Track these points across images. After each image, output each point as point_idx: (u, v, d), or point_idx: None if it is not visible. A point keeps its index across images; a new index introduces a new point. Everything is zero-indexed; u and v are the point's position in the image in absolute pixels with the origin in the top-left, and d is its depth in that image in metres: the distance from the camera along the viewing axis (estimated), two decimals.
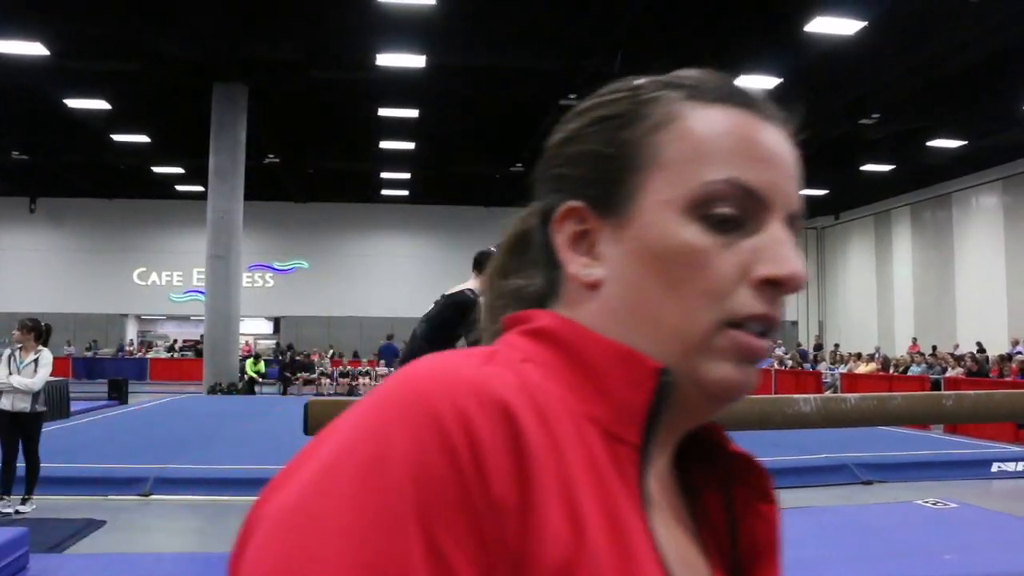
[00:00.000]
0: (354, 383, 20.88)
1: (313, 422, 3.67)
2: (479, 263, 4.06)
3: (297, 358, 22.65)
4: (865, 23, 13.86)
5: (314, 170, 25.64)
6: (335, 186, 27.91)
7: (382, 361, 22.15)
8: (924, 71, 15.82)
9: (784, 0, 13.85)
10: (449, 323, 3.91)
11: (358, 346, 28.20)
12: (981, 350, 18.95)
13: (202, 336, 22.32)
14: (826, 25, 13.94)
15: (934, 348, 20.68)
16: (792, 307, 32.58)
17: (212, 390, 18.74)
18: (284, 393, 20.84)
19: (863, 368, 17.95)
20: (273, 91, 19.12)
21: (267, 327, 32.85)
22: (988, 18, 13.63)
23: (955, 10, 13.64)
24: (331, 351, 25.68)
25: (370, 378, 21.22)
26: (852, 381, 16.42)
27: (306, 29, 15.55)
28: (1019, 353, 17.15)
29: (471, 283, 4.01)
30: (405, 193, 28.89)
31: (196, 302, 27.55)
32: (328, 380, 21.14)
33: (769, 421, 4.02)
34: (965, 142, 20.89)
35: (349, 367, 21.90)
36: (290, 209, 29.94)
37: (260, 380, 20.83)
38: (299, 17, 15.13)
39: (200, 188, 23.70)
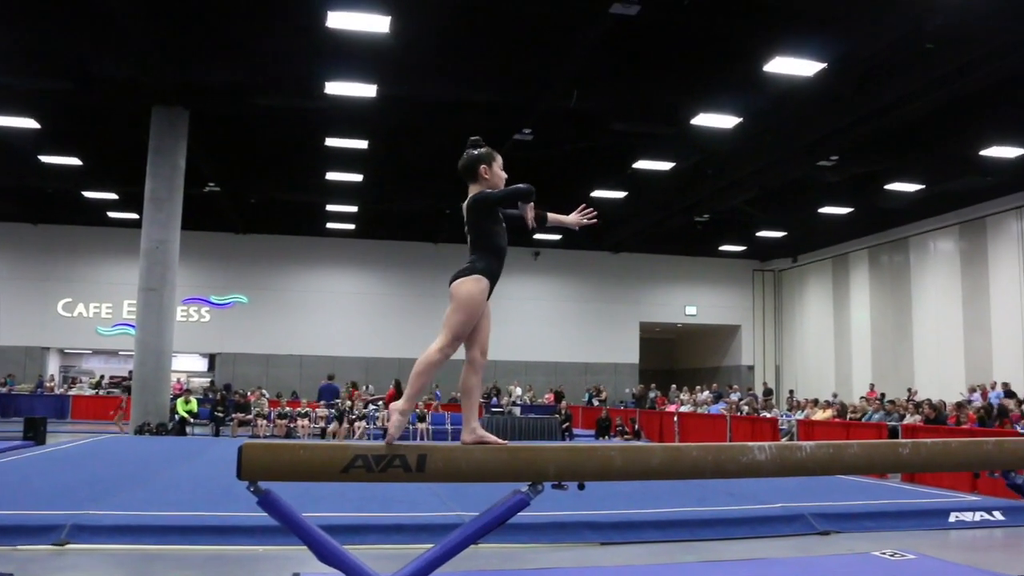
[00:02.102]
0: (292, 425, 20.55)
1: (248, 466, 3.59)
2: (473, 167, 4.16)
3: (232, 398, 22.27)
4: (824, 64, 14.24)
5: (256, 200, 25.44)
6: (278, 218, 27.72)
7: (322, 402, 21.87)
8: (882, 114, 16.26)
9: (743, 39, 14.17)
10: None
11: (297, 386, 27.87)
12: (910, 396, 19.42)
13: (130, 372, 21.86)
14: (785, 66, 14.30)
15: (882, 396, 21.01)
16: (749, 351, 32.96)
17: (140, 430, 18.34)
18: (217, 434, 20.44)
19: (820, 414, 18.18)
20: (215, 117, 18.99)
21: (201, 364, 32.33)
22: (945, 64, 14.10)
23: (913, 55, 14.10)
24: (261, 391, 25.26)
25: (309, 420, 20.90)
26: (809, 428, 16.61)
27: (252, 53, 15.51)
28: (973, 401, 17.53)
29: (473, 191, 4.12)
30: (351, 227, 28.80)
31: (126, 336, 27.06)
32: (265, 421, 20.77)
33: (723, 470, 4.05)
34: (923, 186, 21.49)
35: (288, 408, 21.55)
36: (229, 240, 29.64)
37: (192, 420, 20.42)
38: (245, 41, 15.10)
39: (134, 216, 23.36)
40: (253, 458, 3.61)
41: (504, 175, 4.17)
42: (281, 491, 3.69)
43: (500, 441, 3.94)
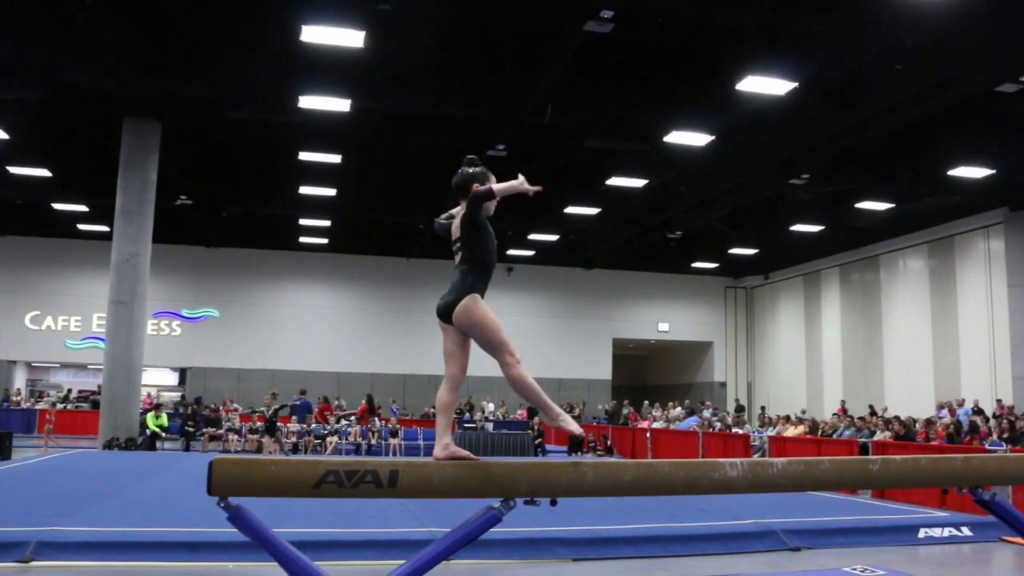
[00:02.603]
0: (263, 440, 20.38)
1: (218, 482, 3.57)
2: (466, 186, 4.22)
3: (203, 412, 22.08)
4: (795, 84, 14.40)
5: (228, 214, 25.29)
6: (250, 231, 27.57)
7: (294, 417, 21.72)
8: (853, 134, 16.47)
9: (715, 58, 14.32)
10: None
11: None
12: (873, 413, 19.66)
13: (100, 387, 21.61)
14: (757, 84, 14.44)
15: (845, 411, 21.20)
16: (721, 368, 33.11)
17: (108, 445, 18.13)
18: (187, 449, 20.24)
19: (791, 431, 18.28)
20: (188, 129, 18.89)
21: (172, 378, 32.02)
22: (913, 85, 14.32)
23: (882, 76, 14.30)
24: (234, 405, 25.06)
25: (281, 435, 20.75)
26: (780, 444, 16.69)
27: (226, 66, 15.46)
28: (942, 417, 17.72)
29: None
30: (324, 241, 28.71)
31: (95, 349, 26.74)
32: (236, 436, 20.60)
33: (695, 486, 4.07)
34: (892, 205, 21.75)
35: (259, 423, 21.38)
36: (201, 254, 29.43)
37: (163, 435, 20.20)
38: (219, 54, 15.05)
39: (105, 228, 23.15)
40: (224, 473, 3.58)
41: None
42: (252, 507, 3.66)
43: (473, 456, 3.95)
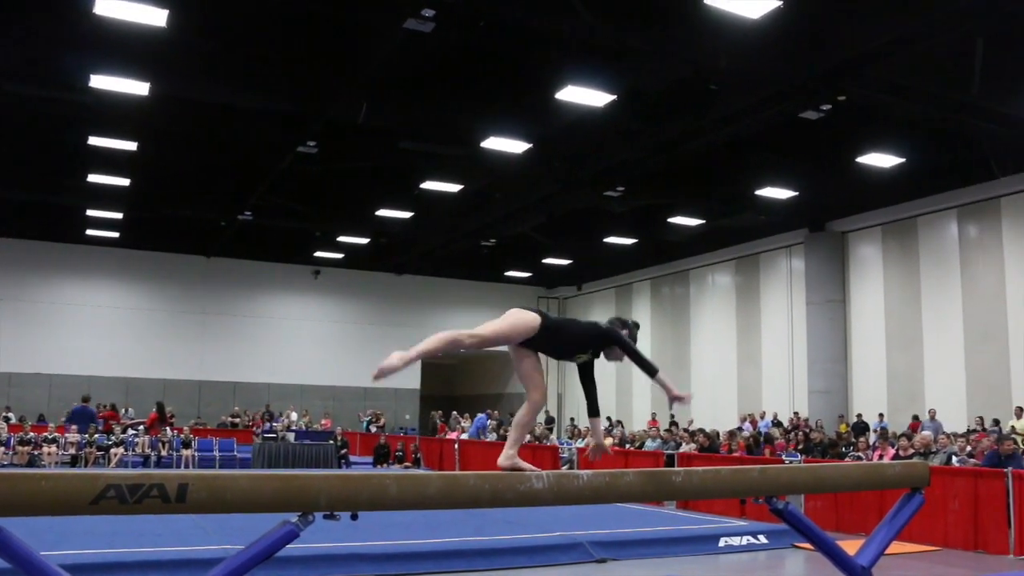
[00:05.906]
0: (37, 452, 19.11)
1: None
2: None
3: None
4: (614, 96, 14.89)
5: (2, 200, 23.58)
6: (29, 221, 25.80)
7: (74, 427, 20.49)
8: (668, 149, 17.23)
9: (537, 65, 14.61)
10: None
11: (45, 408, 25.96)
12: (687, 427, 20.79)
13: None
14: (577, 95, 14.82)
15: (656, 424, 22.17)
16: None
17: None
18: None
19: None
20: None
21: None
22: (726, 106, 15.16)
23: (696, 94, 15.04)
24: (6, 414, 23.39)
25: (58, 446, 19.52)
26: None
27: (4, 35, 14.39)
28: (742, 429, 18.81)
29: None
30: (115, 235, 27.23)
31: None
32: (3, 449, 19.20)
33: (501, 498, 4.12)
34: (703, 221, 22.91)
35: (32, 433, 20.02)
36: None
37: None
38: None
39: None
40: None
41: None
42: (20, 527, 3.42)
43: (535, 468, 4.31)
